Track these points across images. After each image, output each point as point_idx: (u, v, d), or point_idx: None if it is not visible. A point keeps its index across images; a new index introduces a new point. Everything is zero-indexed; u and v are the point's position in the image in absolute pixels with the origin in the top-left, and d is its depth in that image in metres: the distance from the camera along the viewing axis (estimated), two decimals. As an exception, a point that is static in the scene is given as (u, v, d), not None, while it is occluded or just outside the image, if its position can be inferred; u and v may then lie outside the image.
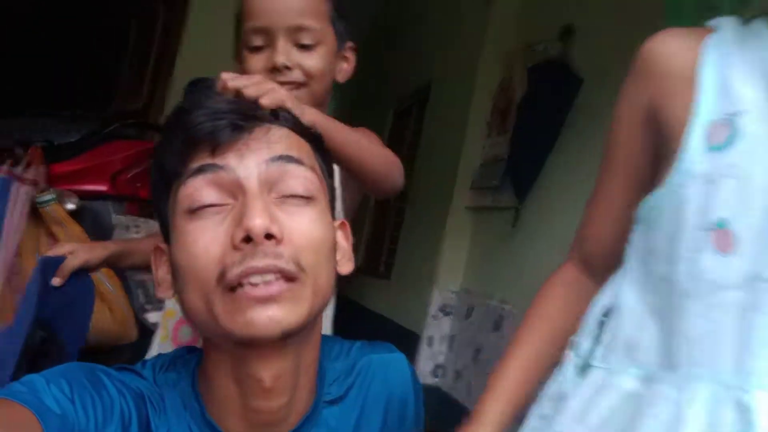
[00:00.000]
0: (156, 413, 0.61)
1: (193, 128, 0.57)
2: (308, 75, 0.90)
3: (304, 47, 0.89)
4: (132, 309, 1.51)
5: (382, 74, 4.75)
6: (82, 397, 0.56)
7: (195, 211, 0.57)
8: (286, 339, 0.57)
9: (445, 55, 3.59)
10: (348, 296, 4.16)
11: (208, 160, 0.58)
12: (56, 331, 0.94)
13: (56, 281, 0.93)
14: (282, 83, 0.86)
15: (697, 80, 0.58)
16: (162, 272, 0.64)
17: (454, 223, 3.01)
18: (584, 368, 0.63)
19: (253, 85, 0.67)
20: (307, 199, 0.59)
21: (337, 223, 0.66)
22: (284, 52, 0.88)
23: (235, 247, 0.55)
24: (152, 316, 1.80)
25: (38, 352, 0.91)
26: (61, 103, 2.60)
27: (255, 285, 0.54)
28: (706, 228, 0.53)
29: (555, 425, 0.62)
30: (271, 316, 0.54)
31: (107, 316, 1.35)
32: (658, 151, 0.63)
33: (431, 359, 2.97)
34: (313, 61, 0.90)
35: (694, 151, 0.56)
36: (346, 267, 0.66)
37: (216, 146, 0.58)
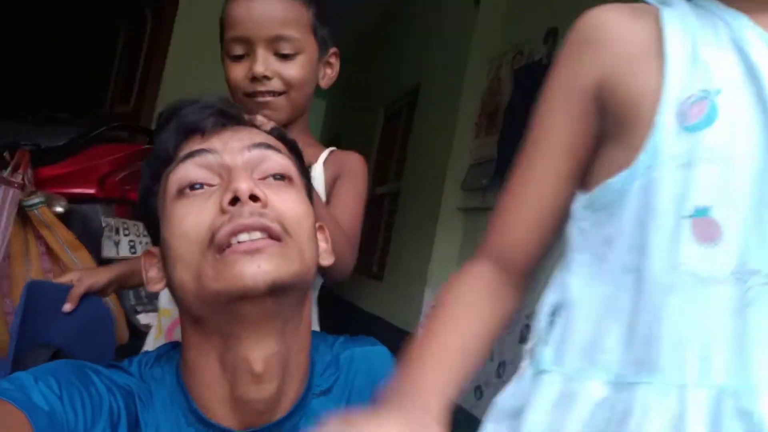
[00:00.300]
0: (145, 409, 0.61)
1: (185, 118, 0.65)
2: (288, 84, 0.91)
3: (284, 56, 0.90)
4: (123, 311, 1.51)
5: (373, 76, 4.76)
6: (71, 394, 0.56)
7: (184, 191, 0.62)
8: (274, 302, 0.58)
9: (434, 57, 3.61)
10: (341, 296, 4.16)
11: (196, 147, 0.64)
12: (74, 356, 0.95)
13: (67, 307, 0.96)
14: (261, 92, 0.90)
15: (663, 53, 0.53)
16: (152, 272, 0.66)
17: (446, 224, 3.02)
18: (537, 374, 0.56)
19: None
20: (287, 179, 0.65)
21: (316, 224, 0.69)
22: (264, 62, 0.89)
23: (223, 211, 0.59)
24: (143, 318, 1.80)
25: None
26: (50, 107, 2.59)
27: (242, 242, 0.57)
28: (685, 216, 0.48)
29: None
30: (259, 265, 0.56)
31: None
32: (605, 134, 0.56)
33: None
34: (293, 70, 0.91)
35: (665, 130, 0.50)
36: (327, 260, 0.70)
37: (204, 133, 0.64)
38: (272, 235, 0.58)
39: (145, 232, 0.71)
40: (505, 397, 0.58)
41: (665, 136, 0.50)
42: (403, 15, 4.33)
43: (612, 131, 0.56)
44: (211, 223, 0.59)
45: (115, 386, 0.60)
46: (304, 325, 0.65)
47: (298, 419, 0.64)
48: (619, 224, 0.52)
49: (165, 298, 0.97)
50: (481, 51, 3.04)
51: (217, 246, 0.57)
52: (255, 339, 0.59)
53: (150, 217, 0.66)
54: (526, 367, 0.58)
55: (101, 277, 1.01)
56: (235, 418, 0.61)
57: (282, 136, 0.70)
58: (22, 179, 1.57)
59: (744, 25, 0.53)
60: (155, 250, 0.66)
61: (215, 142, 0.64)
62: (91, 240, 1.71)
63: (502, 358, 2.38)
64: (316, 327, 1.00)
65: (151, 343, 1.00)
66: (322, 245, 0.69)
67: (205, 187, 0.62)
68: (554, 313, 0.57)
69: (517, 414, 0.55)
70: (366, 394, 0.69)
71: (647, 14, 0.56)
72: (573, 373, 0.53)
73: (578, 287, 0.55)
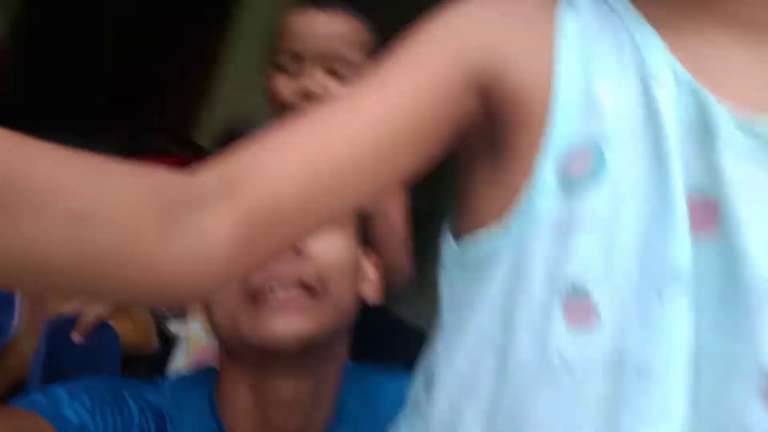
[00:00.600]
0: (174, 429, 0.63)
1: None
2: None
3: (337, 76, 0.88)
4: (153, 318, 1.53)
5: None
6: (103, 411, 0.58)
7: None
8: (306, 352, 0.58)
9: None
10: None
11: None
12: None
13: (77, 337, 0.91)
14: None
15: (553, 79, 0.41)
16: None
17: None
18: None
19: None
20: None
21: (361, 251, 0.67)
22: (317, 79, 0.88)
23: None
24: (173, 326, 1.82)
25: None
26: (91, 117, 2.65)
27: (277, 297, 0.57)
28: (558, 292, 0.39)
29: None
30: (290, 324, 0.56)
31: (129, 327, 1.37)
32: (479, 146, 0.45)
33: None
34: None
35: (545, 184, 0.40)
36: (371, 296, 0.68)
37: None
38: (308, 289, 0.58)
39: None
40: None
41: (544, 193, 0.40)
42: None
43: (489, 150, 0.44)
44: None
45: (147, 405, 0.62)
46: (337, 358, 0.66)
47: None
48: (488, 289, 0.42)
49: (196, 324, 0.96)
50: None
51: (252, 295, 0.57)
52: (286, 375, 0.60)
53: None
54: None
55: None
56: None
57: None
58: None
59: (652, 47, 0.41)
60: None
61: None
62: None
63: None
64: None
65: (180, 362, 1.00)
66: (370, 276, 0.68)
67: None
68: (428, 379, 0.47)
69: None
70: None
71: (548, 4, 0.44)
72: None
73: (441, 355, 0.46)
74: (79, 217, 0.31)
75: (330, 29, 0.89)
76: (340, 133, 0.40)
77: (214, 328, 0.63)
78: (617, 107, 0.40)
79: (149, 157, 2.00)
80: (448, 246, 0.47)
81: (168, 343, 1.35)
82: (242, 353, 0.61)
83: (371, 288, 0.68)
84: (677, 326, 0.37)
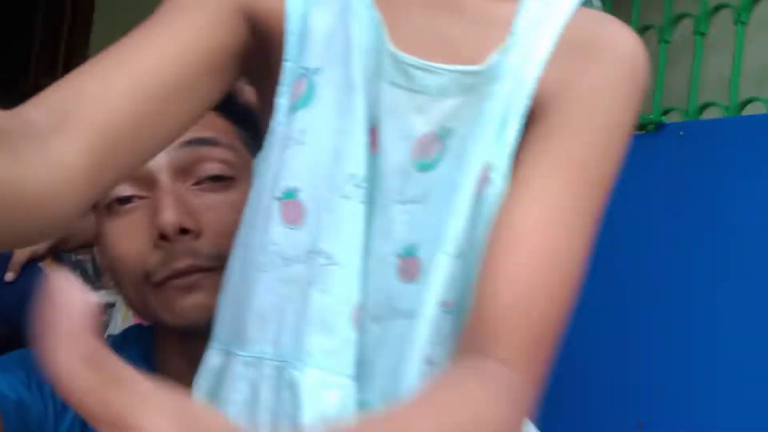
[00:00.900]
0: None
1: None
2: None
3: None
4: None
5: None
6: (39, 383, 0.56)
7: (111, 206, 0.57)
8: None
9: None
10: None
11: None
12: (22, 325, 0.93)
13: (9, 276, 0.95)
14: None
15: (286, 11, 0.48)
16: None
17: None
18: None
19: None
20: (227, 180, 0.58)
21: None
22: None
23: (155, 245, 0.55)
24: (106, 295, 1.78)
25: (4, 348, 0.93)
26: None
27: (177, 283, 0.56)
28: (276, 197, 0.48)
29: None
30: (196, 300, 0.55)
31: None
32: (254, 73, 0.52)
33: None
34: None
35: (281, 107, 0.49)
36: None
37: None
38: (208, 270, 0.56)
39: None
40: None
41: (279, 114, 0.49)
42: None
43: (264, 77, 0.51)
44: (144, 260, 0.56)
45: None
46: None
47: None
48: (248, 199, 0.51)
49: None
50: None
51: (155, 284, 0.56)
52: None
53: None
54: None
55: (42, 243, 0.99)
56: None
57: (225, 107, 0.61)
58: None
59: None
60: None
61: None
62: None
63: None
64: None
65: (119, 324, 1.00)
66: None
67: (135, 200, 0.56)
68: None
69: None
70: None
71: None
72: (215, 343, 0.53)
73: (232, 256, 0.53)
74: None
75: None
76: (150, 60, 0.45)
77: (127, 302, 0.61)
78: (326, 37, 0.48)
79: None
80: None
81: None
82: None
83: None
84: (354, 223, 0.47)
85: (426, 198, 0.46)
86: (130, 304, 0.61)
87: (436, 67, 0.46)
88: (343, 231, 0.47)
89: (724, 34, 1.41)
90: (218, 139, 0.59)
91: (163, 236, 0.54)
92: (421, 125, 0.46)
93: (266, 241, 0.48)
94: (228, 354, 0.50)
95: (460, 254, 0.44)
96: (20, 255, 0.97)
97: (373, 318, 0.47)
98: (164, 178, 0.56)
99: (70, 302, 0.20)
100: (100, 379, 0.20)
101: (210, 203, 0.57)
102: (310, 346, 0.46)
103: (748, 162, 1.13)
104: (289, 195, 0.48)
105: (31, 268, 0.99)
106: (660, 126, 1.30)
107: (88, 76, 0.43)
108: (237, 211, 0.56)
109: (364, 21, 0.47)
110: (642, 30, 1.45)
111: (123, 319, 1.01)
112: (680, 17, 1.48)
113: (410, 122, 0.47)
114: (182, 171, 0.57)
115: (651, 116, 1.33)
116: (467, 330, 0.43)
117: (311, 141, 0.47)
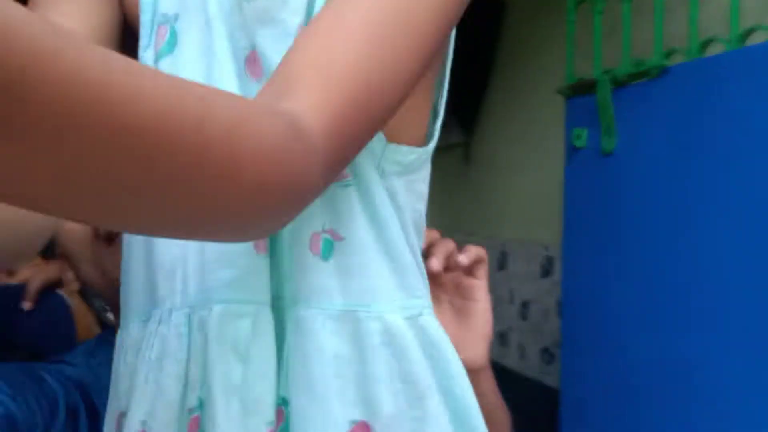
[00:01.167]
0: (98, 396, 0.63)
1: None
2: None
3: None
4: (93, 313, 1.52)
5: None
6: (24, 395, 0.57)
7: None
8: None
9: None
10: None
11: None
12: (44, 352, 0.95)
13: (27, 305, 0.94)
14: None
15: None
16: (70, 275, 0.69)
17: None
18: None
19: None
20: None
21: None
22: None
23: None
24: (111, 316, 1.80)
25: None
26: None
27: None
28: None
29: None
30: None
31: (77, 301, 1.36)
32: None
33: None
34: None
35: (147, 61, 0.50)
36: None
37: None
38: None
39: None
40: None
41: (144, 61, 0.50)
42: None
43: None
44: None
45: (68, 381, 0.61)
46: None
47: None
48: None
49: None
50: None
51: (106, 237, 0.55)
52: None
53: None
54: None
55: (53, 270, 1.00)
56: None
57: None
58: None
59: None
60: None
61: None
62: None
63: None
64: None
65: None
66: None
67: None
68: None
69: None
70: None
71: None
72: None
73: None
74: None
75: None
76: None
77: (89, 284, 0.61)
78: None
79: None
80: None
81: (112, 331, 1.35)
82: None
83: None
84: None
85: None
86: (90, 281, 0.61)
87: None
88: None
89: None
90: None
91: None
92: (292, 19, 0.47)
93: None
94: (146, 321, 0.50)
95: None
96: (34, 283, 0.95)
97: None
98: None
99: None
100: None
101: None
102: (212, 283, 0.47)
103: (752, 94, 1.11)
104: None
105: (49, 296, 0.97)
106: (664, 70, 1.29)
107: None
108: None
109: None
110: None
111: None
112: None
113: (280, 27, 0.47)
114: None
115: (653, 61, 1.31)
116: (264, 86, 0.40)
117: None
